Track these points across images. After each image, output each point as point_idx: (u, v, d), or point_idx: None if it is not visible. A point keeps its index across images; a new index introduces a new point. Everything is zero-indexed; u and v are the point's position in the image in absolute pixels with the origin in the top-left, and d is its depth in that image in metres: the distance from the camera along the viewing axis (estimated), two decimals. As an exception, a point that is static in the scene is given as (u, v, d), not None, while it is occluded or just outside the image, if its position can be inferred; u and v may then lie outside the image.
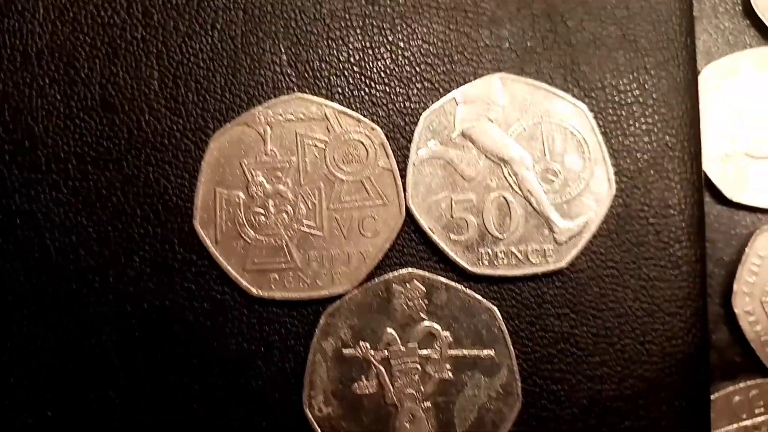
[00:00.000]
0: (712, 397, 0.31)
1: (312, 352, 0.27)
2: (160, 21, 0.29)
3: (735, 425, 0.32)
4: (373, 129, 0.28)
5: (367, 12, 0.29)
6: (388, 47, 0.29)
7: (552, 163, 0.28)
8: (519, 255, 0.27)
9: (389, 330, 0.27)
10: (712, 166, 0.32)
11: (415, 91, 0.28)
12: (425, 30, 0.29)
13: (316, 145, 0.28)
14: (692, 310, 0.28)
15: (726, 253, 0.32)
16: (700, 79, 0.32)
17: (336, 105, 0.28)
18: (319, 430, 0.27)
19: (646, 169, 0.28)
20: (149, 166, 0.28)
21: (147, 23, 0.29)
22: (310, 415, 0.27)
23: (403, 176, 0.28)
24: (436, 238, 0.27)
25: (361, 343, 0.27)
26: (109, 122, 0.28)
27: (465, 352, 0.27)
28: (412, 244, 0.28)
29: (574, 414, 0.27)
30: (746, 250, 0.32)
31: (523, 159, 0.28)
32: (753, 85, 0.33)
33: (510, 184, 0.28)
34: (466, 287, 0.27)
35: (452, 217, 0.27)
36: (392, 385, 0.27)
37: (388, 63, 0.29)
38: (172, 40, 0.29)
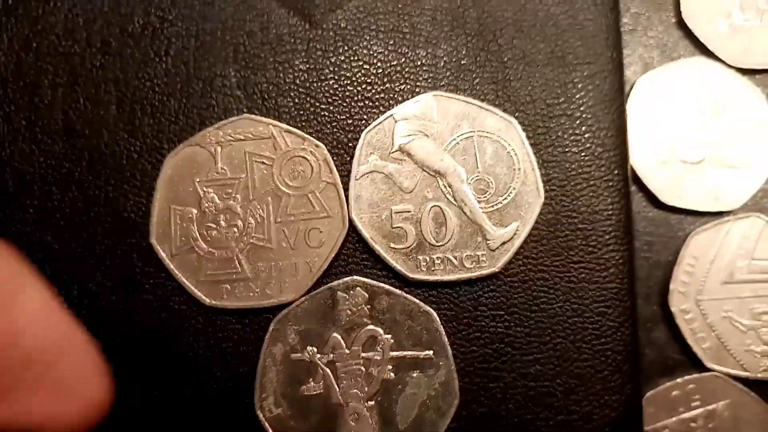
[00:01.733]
0: (652, 392, 0.33)
1: (262, 357, 0.29)
2: (117, 50, 0.31)
3: (674, 418, 0.33)
4: (317, 146, 0.30)
5: (311, 36, 0.31)
6: (332, 69, 0.31)
7: (484, 174, 0.29)
8: (455, 261, 0.29)
9: (335, 335, 0.29)
10: (649, 172, 0.34)
11: (357, 109, 0.30)
12: (365, 52, 0.31)
13: (263, 162, 0.30)
14: (621, 309, 0.29)
15: (663, 255, 0.34)
16: (636, 88, 0.34)
17: (282, 124, 0.30)
18: (270, 430, 0.29)
19: (574, 177, 0.30)
20: (109, 186, 0.30)
21: (105, 52, 0.31)
22: (261, 416, 0.29)
23: (346, 190, 0.29)
24: (377, 247, 0.29)
25: (309, 347, 0.29)
26: (71, 146, 0.30)
27: (406, 353, 0.29)
28: (356, 253, 0.30)
29: (509, 410, 0.29)
30: (682, 251, 0.33)
31: (457, 171, 0.29)
32: (687, 93, 0.34)
33: (445, 195, 0.29)
34: (406, 292, 0.29)
35: (392, 227, 0.29)
36: (338, 386, 0.29)
37: (331, 83, 0.30)
38: (129, 68, 0.30)
